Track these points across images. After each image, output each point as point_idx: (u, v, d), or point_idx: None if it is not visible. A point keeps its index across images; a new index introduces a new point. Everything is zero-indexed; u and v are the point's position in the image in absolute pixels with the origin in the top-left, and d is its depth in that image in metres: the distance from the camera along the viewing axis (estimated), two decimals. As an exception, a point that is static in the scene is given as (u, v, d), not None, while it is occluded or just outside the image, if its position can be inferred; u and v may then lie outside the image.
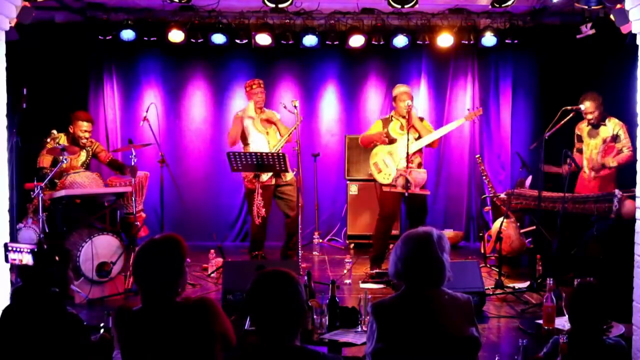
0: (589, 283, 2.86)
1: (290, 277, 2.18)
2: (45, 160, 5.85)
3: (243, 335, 3.99)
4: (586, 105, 5.75)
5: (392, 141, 5.91)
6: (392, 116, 6.00)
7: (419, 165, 5.87)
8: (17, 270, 4.32)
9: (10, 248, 3.76)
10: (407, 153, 5.62)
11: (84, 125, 5.93)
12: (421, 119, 6.02)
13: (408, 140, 5.67)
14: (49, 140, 5.80)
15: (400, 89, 5.99)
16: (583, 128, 6.04)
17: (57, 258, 2.89)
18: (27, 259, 3.68)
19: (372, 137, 5.99)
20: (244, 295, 2.20)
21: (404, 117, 5.84)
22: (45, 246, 3.07)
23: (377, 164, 5.93)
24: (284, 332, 2.11)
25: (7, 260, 3.75)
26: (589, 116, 5.78)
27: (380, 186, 5.92)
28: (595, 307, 2.72)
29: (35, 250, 3.12)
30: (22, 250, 3.79)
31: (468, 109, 6.28)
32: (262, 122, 6.21)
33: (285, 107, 6.03)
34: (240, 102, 7.83)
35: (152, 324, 2.40)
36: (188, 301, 2.48)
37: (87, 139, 5.97)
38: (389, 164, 5.86)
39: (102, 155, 6.19)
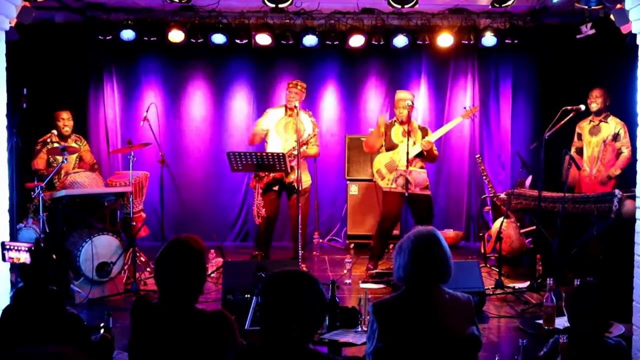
0: (589, 283, 2.86)
1: (308, 277, 2.13)
2: (40, 163, 5.90)
3: (243, 335, 4.00)
4: (594, 95, 5.85)
5: (393, 147, 5.92)
6: (394, 121, 6.01)
7: (421, 169, 5.90)
8: (17, 270, 4.33)
9: (8, 247, 3.77)
10: (407, 153, 5.63)
11: (62, 114, 6.05)
12: (424, 129, 6.02)
13: (408, 140, 5.69)
14: (44, 141, 5.89)
15: (398, 94, 6.02)
16: (584, 126, 6.06)
17: (54, 256, 2.89)
18: (25, 258, 3.68)
19: (370, 139, 6.03)
20: (259, 294, 2.13)
21: (402, 123, 5.88)
22: (42, 244, 3.07)
23: (380, 171, 5.96)
24: (297, 334, 2.07)
25: (4, 259, 3.76)
26: (593, 104, 5.83)
27: (382, 188, 5.97)
28: (595, 307, 2.72)
29: (33, 248, 3.12)
30: (19, 248, 3.79)
31: (464, 107, 6.31)
32: (286, 127, 6.15)
33: (295, 106, 5.93)
34: (240, 102, 7.84)
35: (168, 323, 2.38)
36: (206, 310, 2.46)
37: (67, 126, 6.07)
38: (391, 170, 5.89)
39: (86, 157, 6.20)
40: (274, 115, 6.22)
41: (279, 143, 6.13)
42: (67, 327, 2.72)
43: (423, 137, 5.91)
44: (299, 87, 6.18)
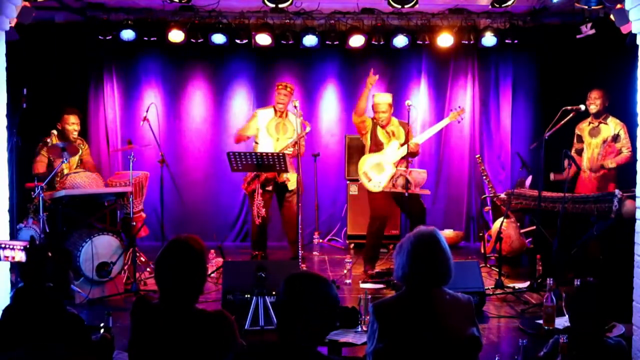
0: (589, 283, 2.86)
1: (314, 278, 2.17)
2: (40, 166, 5.86)
3: (243, 335, 4.00)
4: (592, 96, 5.86)
5: (379, 147, 5.91)
6: (376, 124, 5.99)
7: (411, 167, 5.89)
8: (18, 270, 4.33)
9: (3, 245, 3.76)
10: (408, 148, 5.64)
11: (71, 118, 6.00)
12: (406, 124, 5.83)
13: (408, 139, 5.69)
14: (45, 142, 5.87)
15: (375, 98, 5.96)
16: (584, 128, 6.07)
17: (49, 254, 2.89)
18: (20, 256, 3.68)
19: (360, 104, 5.91)
20: (278, 296, 2.16)
21: (383, 127, 5.89)
22: (37, 242, 3.07)
23: (366, 173, 5.93)
24: (299, 334, 2.09)
25: (0, 258, 3.75)
26: (592, 106, 5.85)
27: (368, 190, 5.95)
28: (595, 307, 2.72)
29: (28, 247, 3.12)
30: (14, 247, 3.78)
31: (451, 109, 6.29)
32: (277, 127, 6.18)
33: (295, 107, 5.90)
34: (240, 102, 7.84)
35: (168, 323, 2.37)
36: (206, 311, 2.46)
37: (76, 131, 6.02)
38: (378, 172, 5.88)
39: (85, 159, 6.18)
40: (264, 116, 6.24)
41: (269, 143, 6.14)
42: (67, 327, 2.72)
43: (406, 133, 5.80)
44: (288, 89, 6.20)
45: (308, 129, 6.10)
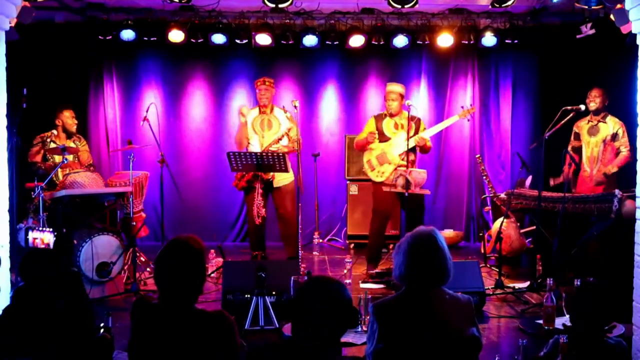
0: (589, 283, 2.87)
1: (339, 283, 2.21)
2: (36, 156, 5.92)
3: (243, 335, 4.00)
4: (593, 94, 5.88)
5: (385, 139, 5.92)
6: (384, 114, 6.01)
7: (413, 164, 5.87)
8: (18, 270, 4.34)
9: (31, 228, 3.77)
10: (407, 150, 5.63)
11: (68, 113, 6.10)
12: (417, 120, 5.96)
13: (408, 139, 5.68)
14: (43, 139, 5.90)
15: (388, 87, 6.03)
16: (582, 126, 6.07)
17: (75, 241, 2.93)
18: (49, 238, 3.68)
19: (363, 142, 5.97)
20: (289, 300, 2.18)
21: (391, 115, 5.90)
22: (64, 230, 3.11)
23: (370, 161, 5.95)
24: (300, 334, 2.10)
25: (26, 242, 3.77)
26: (592, 104, 5.87)
27: (375, 184, 5.94)
28: (595, 307, 2.72)
29: (56, 232, 3.14)
30: (44, 230, 3.78)
31: (462, 107, 6.30)
32: (261, 124, 6.19)
33: (295, 107, 5.88)
34: (240, 102, 7.82)
35: (168, 323, 2.37)
36: (206, 311, 2.45)
37: (75, 124, 6.15)
38: (382, 162, 5.88)
39: (83, 156, 6.18)
40: (250, 114, 6.22)
41: (255, 140, 6.13)
42: (69, 325, 2.73)
43: (416, 128, 5.85)
44: (267, 84, 6.19)
45: (290, 125, 6.05)
